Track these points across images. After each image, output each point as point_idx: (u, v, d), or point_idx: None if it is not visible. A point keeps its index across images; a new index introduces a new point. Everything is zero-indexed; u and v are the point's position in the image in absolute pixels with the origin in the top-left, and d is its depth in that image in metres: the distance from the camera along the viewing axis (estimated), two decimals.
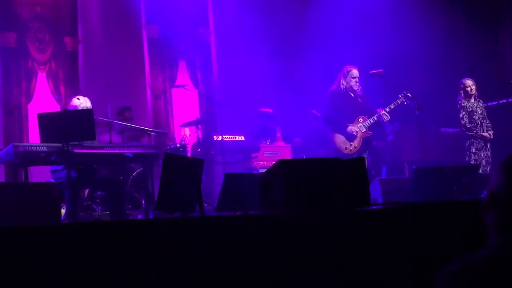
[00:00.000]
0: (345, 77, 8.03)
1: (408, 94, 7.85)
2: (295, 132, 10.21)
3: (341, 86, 8.03)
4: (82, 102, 7.26)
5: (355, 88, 8.03)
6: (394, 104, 7.91)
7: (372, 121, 7.97)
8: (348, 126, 7.92)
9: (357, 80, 8.02)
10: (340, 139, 7.95)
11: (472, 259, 1.57)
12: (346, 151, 7.86)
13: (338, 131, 7.98)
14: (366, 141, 8.00)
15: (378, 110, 7.98)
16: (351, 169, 4.18)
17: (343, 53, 9.69)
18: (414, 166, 6.55)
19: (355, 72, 8.04)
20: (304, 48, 10.96)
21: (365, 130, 7.96)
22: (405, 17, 10.54)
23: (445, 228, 3.78)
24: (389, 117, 7.96)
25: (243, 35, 10.83)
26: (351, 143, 7.92)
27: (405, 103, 7.90)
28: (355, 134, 7.91)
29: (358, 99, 8.06)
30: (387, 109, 7.92)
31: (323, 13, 10.84)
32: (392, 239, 3.71)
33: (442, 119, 9.55)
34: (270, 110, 10.09)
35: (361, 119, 7.97)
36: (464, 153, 8.66)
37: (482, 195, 5.69)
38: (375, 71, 7.81)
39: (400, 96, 7.90)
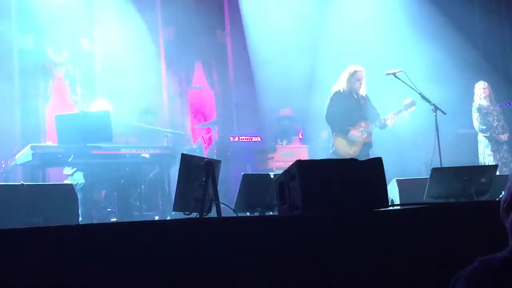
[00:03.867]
0: (349, 78, 7.81)
1: (419, 95, 7.33)
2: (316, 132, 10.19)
3: (345, 87, 7.82)
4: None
5: (359, 91, 7.84)
6: (401, 108, 7.69)
7: (374, 126, 7.81)
8: (350, 129, 7.73)
9: (362, 82, 7.80)
10: (340, 142, 7.79)
11: (491, 261, 1.56)
12: (345, 155, 7.62)
13: (339, 133, 7.82)
14: (367, 146, 7.84)
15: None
16: (369, 170, 4.16)
17: (361, 53, 9.65)
18: (431, 167, 6.50)
19: (360, 74, 7.82)
20: (323, 47, 10.92)
21: (366, 135, 7.78)
22: (423, 19, 10.51)
23: (463, 229, 3.77)
24: (394, 121, 7.76)
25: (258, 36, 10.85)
26: (351, 147, 7.75)
27: (411, 107, 7.66)
28: (357, 139, 7.74)
29: (361, 101, 7.87)
30: (393, 114, 7.73)
31: (342, 12, 10.82)
32: (410, 239, 3.70)
33: (460, 121, 9.51)
34: (290, 112, 10.07)
35: (363, 124, 7.78)
36: (479, 155, 8.62)
37: (500, 196, 5.66)
38: (392, 71, 7.54)
39: (407, 100, 7.66)
